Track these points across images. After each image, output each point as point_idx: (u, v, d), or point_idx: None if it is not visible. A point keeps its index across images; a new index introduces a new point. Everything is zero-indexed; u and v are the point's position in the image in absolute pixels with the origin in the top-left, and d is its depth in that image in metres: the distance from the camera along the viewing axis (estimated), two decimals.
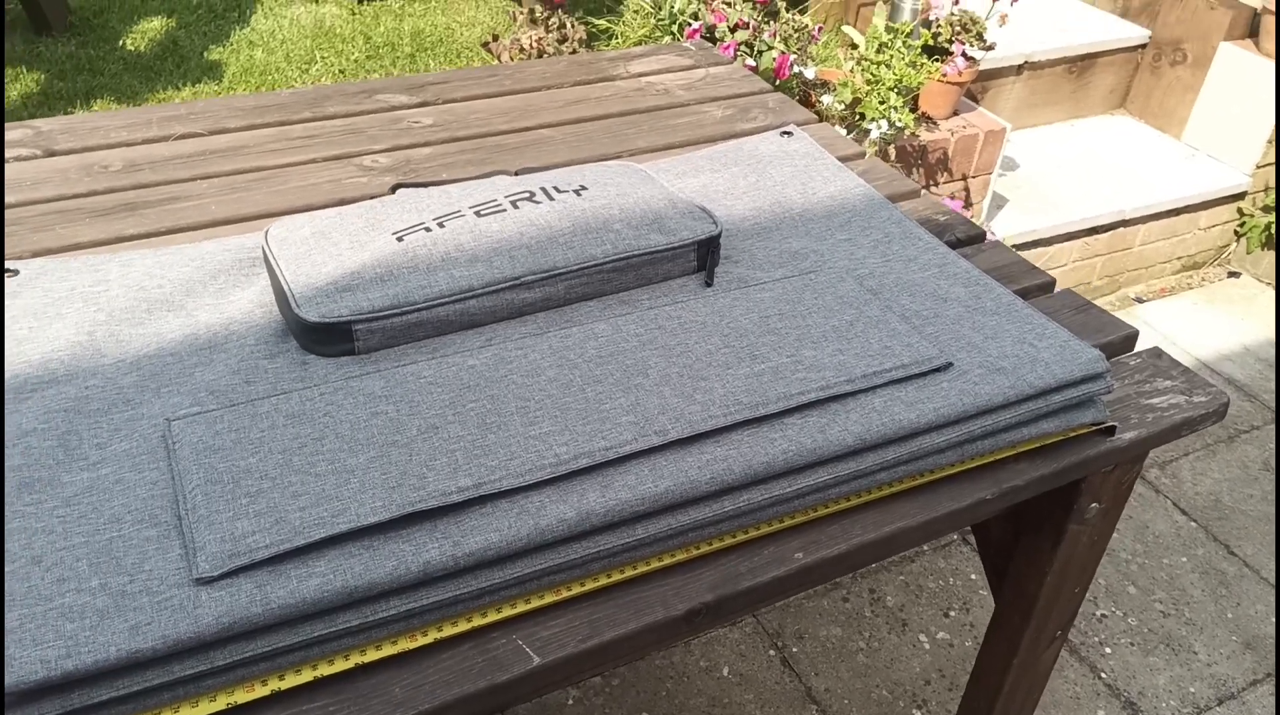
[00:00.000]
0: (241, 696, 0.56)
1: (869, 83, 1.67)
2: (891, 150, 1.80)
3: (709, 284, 0.83)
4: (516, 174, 0.98)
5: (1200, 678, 1.58)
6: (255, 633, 0.55)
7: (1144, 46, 2.57)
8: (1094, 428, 0.78)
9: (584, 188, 0.85)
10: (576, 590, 0.63)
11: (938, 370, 0.74)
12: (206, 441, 0.64)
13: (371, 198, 1.04)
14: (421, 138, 1.17)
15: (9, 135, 1.12)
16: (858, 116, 1.70)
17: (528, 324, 0.78)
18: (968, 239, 1.04)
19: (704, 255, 0.84)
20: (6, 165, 1.07)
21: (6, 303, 0.78)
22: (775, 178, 1.00)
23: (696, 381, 0.71)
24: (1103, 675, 1.57)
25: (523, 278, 0.77)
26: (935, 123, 1.92)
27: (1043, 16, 2.56)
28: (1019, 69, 2.42)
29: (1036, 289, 0.96)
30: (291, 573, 0.56)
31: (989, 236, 1.66)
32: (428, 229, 0.79)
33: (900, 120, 1.64)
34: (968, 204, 2.02)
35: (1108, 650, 1.61)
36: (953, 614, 1.66)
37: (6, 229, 0.96)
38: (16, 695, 0.51)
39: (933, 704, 1.51)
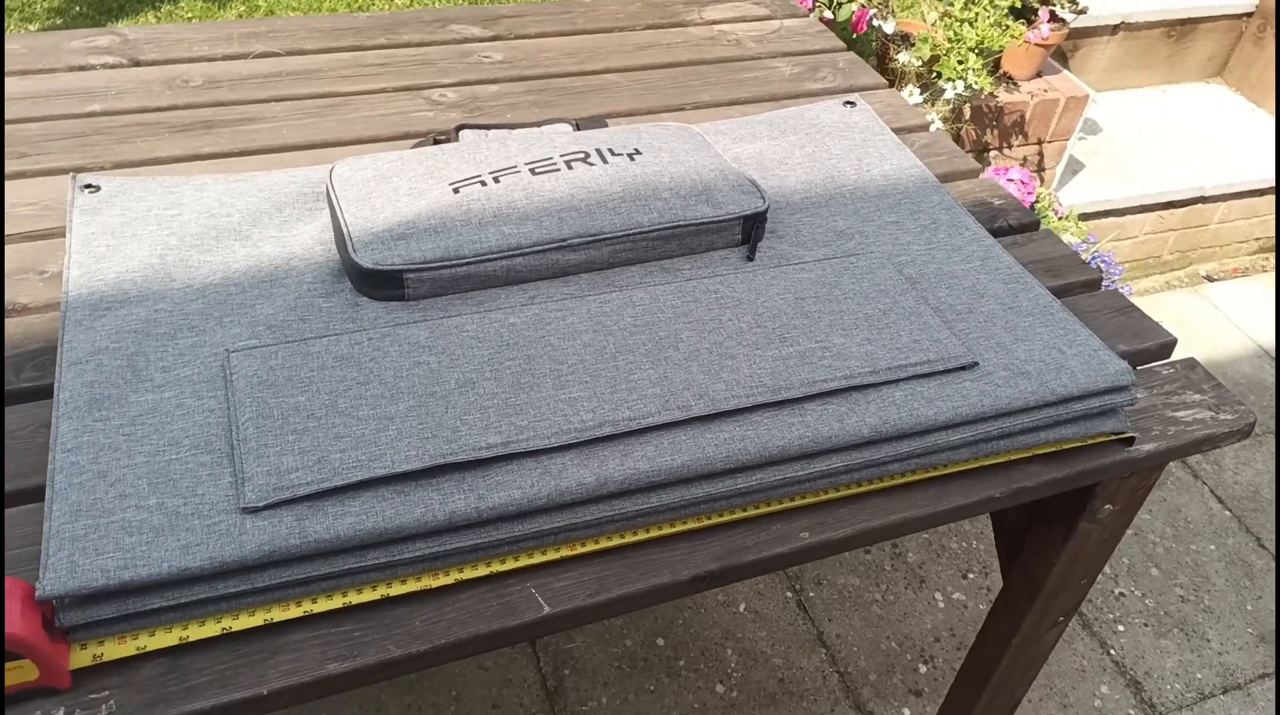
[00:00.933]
0: (278, 614, 0.62)
1: (950, 40, 1.64)
2: (966, 109, 1.77)
3: (750, 258, 0.85)
4: (577, 125, 1.00)
5: (1209, 665, 1.60)
6: (293, 561, 0.61)
7: (1250, 15, 2.45)
8: (1113, 437, 0.80)
9: (638, 152, 0.87)
10: (589, 547, 0.68)
11: (962, 368, 0.76)
12: (261, 376, 0.69)
13: (436, 133, 1.07)
14: (490, 74, 1.19)
15: (98, 41, 1.16)
16: (934, 74, 1.67)
17: (570, 284, 0.81)
18: (1020, 226, 1.04)
19: (749, 229, 0.85)
20: (94, 71, 1.11)
21: (89, 217, 0.83)
22: (832, 150, 1.01)
23: (724, 359, 0.74)
24: (1111, 651, 1.60)
25: (569, 240, 0.80)
26: (1016, 83, 1.87)
27: None
28: (1114, 29, 2.33)
29: (1082, 285, 0.97)
30: (329, 510, 0.61)
31: (1056, 206, 1.64)
32: (483, 183, 0.82)
33: (977, 83, 1.61)
34: (1040, 169, 1.98)
35: (1120, 628, 1.64)
36: (971, 576, 1.70)
37: (89, 139, 1.01)
38: (79, 598, 0.57)
39: (939, 660, 1.56)
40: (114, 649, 0.59)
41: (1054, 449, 0.79)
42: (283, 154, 1.02)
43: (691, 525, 0.70)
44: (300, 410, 0.66)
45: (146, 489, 0.62)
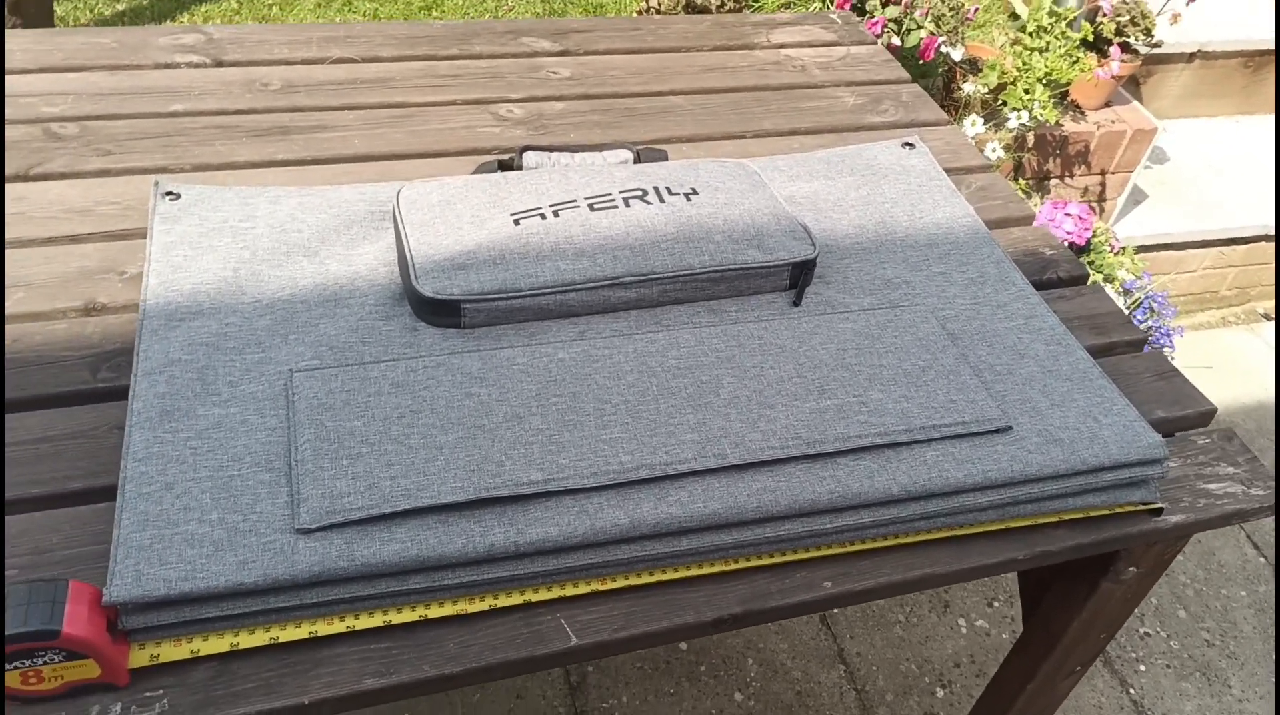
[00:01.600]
0: (322, 629, 0.66)
1: (1019, 69, 1.63)
2: (1030, 138, 1.76)
3: (796, 304, 0.87)
4: (638, 155, 1.02)
5: (1228, 711, 1.60)
6: (339, 581, 0.64)
7: None
8: (1141, 507, 0.81)
9: (695, 191, 0.89)
10: (619, 583, 0.71)
11: (996, 431, 0.78)
12: (321, 398, 0.72)
13: (500, 155, 1.10)
14: (556, 90, 1.22)
15: (184, 39, 1.21)
16: (1000, 103, 1.67)
17: (619, 321, 0.83)
18: (1070, 279, 1.04)
19: (797, 275, 0.87)
20: (179, 70, 1.16)
21: (169, 226, 0.88)
22: (887, 194, 1.02)
23: (763, 408, 0.76)
24: (1131, 690, 1.61)
25: (621, 278, 0.82)
26: (1083, 112, 1.86)
27: (1224, 3, 2.41)
28: (1190, 57, 2.30)
29: (1126, 345, 0.97)
30: (376, 535, 0.65)
31: (1113, 241, 1.63)
32: (543, 216, 0.84)
33: (1042, 114, 1.61)
34: (1101, 200, 1.96)
35: (1142, 668, 1.64)
36: (996, 605, 1.71)
37: (171, 139, 1.05)
38: (142, 605, 0.61)
39: (956, 686, 1.58)
40: (170, 651, 0.63)
41: (1081, 516, 0.80)
42: (352, 164, 1.05)
43: (719, 567, 0.73)
44: (355, 435, 0.70)
45: (209, 503, 0.66)
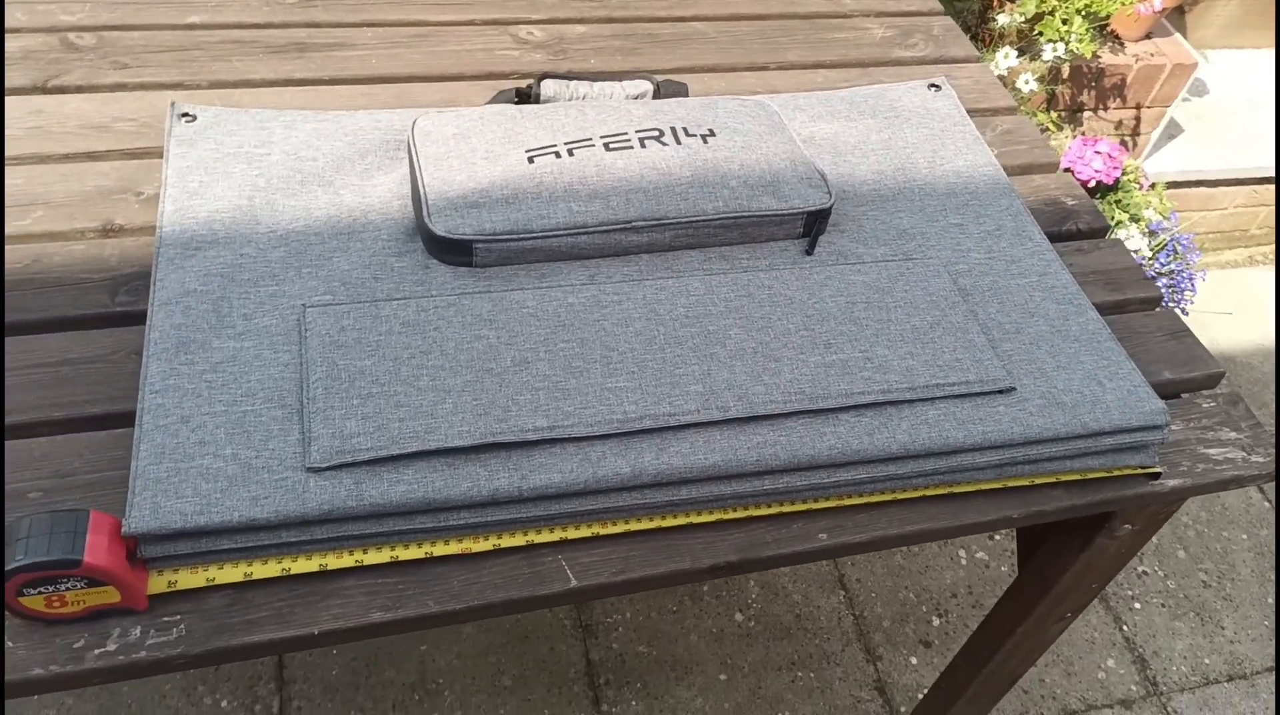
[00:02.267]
0: (332, 562, 0.68)
1: None
2: (1065, 69, 1.71)
3: (809, 252, 0.87)
4: (657, 88, 1.00)
5: (1219, 651, 1.64)
6: (348, 519, 0.67)
7: None
8: (1139, 470, 0.82)
9: (712, 133, 0.88)
10: (619, 528, 0.73)
11: (999, 392, 0.78)
12: (333, 336, 0.74)
13: (520, 76, 1.09)
14: (579, 12, 1.19)
15: None
16: (1036, 33, 1.62)
17: (630, 264, 0.84)
18: (1090, 231, 1.03)
19: (811, 224, 0.87)
20: None
21: (185, 149, 0.88)
22: (908, 139, 1.00)
23: (768, 361, 0.77)
24: (1124, 627, 1.65)
25: (634, 222, 0.82)
26: (1122, 44, 1.80)
27: None
28: None
29: (1139, 302, 0.97)
30: (384, 476, 0.67)
31: (1141, 178, 1.60)
32: (557, 154, 0.84)
33: (1079, 48, 1.56)
34: (1135, 134, 1.92)
35: (1137, 605, 1.68)
36: (997, 537, 1.74)
37: (188, 54, 1.04)
38: (160, 536, 0.64)
39: (952, 615, 1.62)
40: (187, 578, 0.66)
41: (1078, 477, 0.81)
42: (369, 86, 1.04)
43: (717, 516, 0.75)
44: (366, 374, 0.71)
45: (224, 438, 0.68)
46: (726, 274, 0.83)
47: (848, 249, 0.88)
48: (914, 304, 0.83)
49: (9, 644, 0.63)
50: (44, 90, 0.98)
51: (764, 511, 0.75)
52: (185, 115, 0.91)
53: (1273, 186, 2.18)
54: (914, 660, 1.55)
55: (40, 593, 0.61)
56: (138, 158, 0.93)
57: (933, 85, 1.09)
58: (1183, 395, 0.91)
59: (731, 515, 0.75)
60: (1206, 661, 1.61)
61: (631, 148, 0.85)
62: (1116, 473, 0.81)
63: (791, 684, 1.51)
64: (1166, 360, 0.91)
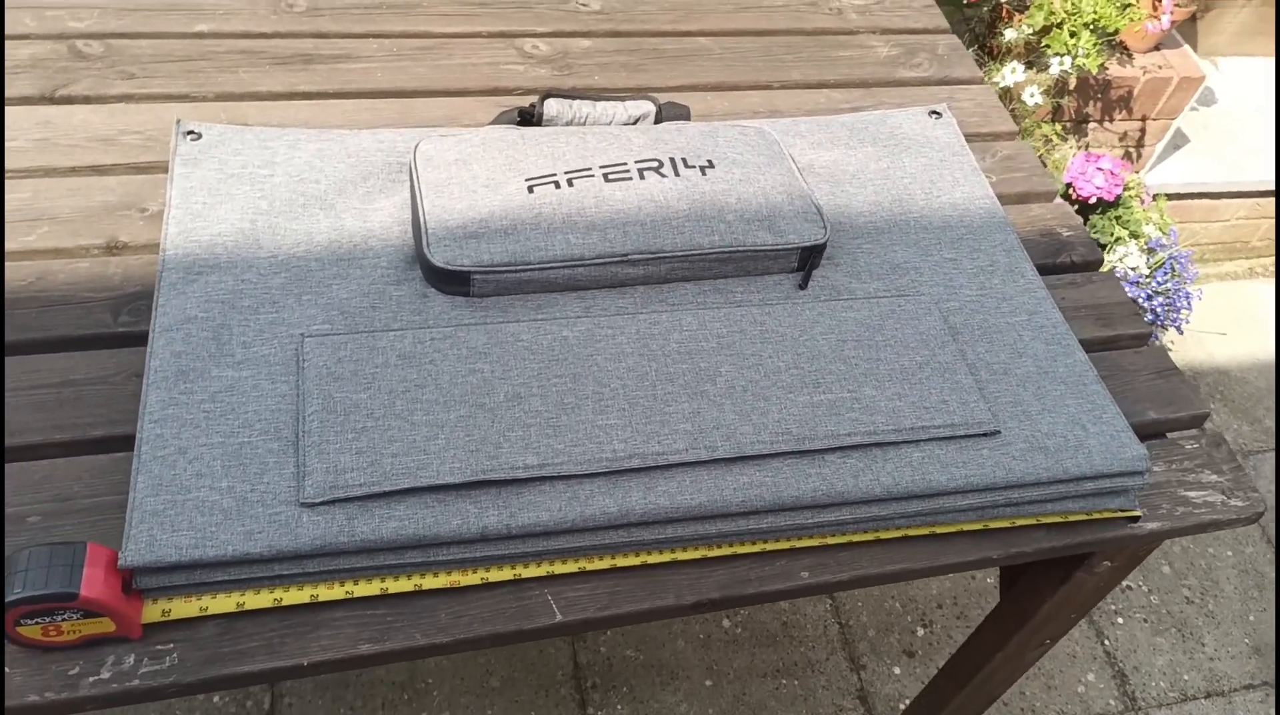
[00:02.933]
0: (323, 593, 0.70)
1: (1067, 11, 1.57)
2: (1072, 81, 1.71)
3: (802, 287, 0.88)
4: (660, 111, 1.01)
5: (1199, 668, 1.66)
6: (339, 554, 0.68)
7: None
8: (1119, 514, 0.83)
9: (711, 164, 0.89)
10: (605, 564, 0.74)
11: (983, 435, 0.80)
12: (329, 367, 0.75)
13: (525, 91, 1.09)
14: (585, 25, 1.19)
15: None
16: (1044, 46, 1.62)
17: (625, 296, 0.85)
18: (1084, 263, 1.04)
19: (806, 258, 0.88)
20: None
21: (189, 169, 0.89)
22: (907, 169, 1.01)
23: (757, 400, 0.78)
24: (1106, 641, 1.67)
25: (630, 255, 0.83)
26: (1130, 55, 1.80)
27: None
28: None
29: (1130, 338, 0.98)
30: (376, 512, 0.68)
31: (1143, 194, 1.61)
32: (557, 184, 0.85)
33: (1085, 63, 1.56)
34: (1140, 145, 1.92)
35: (1120, 620, 1.70)
36: None
37: (195, 64, 1.05)
38: (155, 568, 0.65)
39: (937, 626, 1.64)
40: (181, 607, 0.67)
41: (1059, 519, 0.83)
42: (375, 100, 1.05)
43: (701, 553, 0.76)
44: (361, 408, 0.73)
45: (220, 471, 0.69)
46: (720, 309, 0.84)
47: (841, 284, 0.89)
48: (904, 343, 0.84)
49: (6, 670, 0.65)
50: (51, 100, 0.99)
51: (748, 549, 0.77)
52: (190, 133, 0.92)
53: (1274, 200, 2.18)
54: (897, 670, 1.58)
55: (37, 623, 0.62)
56: (143, 172, 0.94)
57: (933, 113, 1.09)
58: (1167, 435, 0.92)
59: (716, 552, 0.76)
60: (1185, 678, 1.64)
61: (630, 179, 0.86)
62: (1096, 516, 0.83)
63: (775, 691, 1.53)
64: (1153, 399, 0.93)
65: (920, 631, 1.62)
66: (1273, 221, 2.25)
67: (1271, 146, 2.17)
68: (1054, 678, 1.60)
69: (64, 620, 0.63)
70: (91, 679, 0.65)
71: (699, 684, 1.53)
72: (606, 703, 1.49)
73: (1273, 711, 1.61)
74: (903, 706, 1.55)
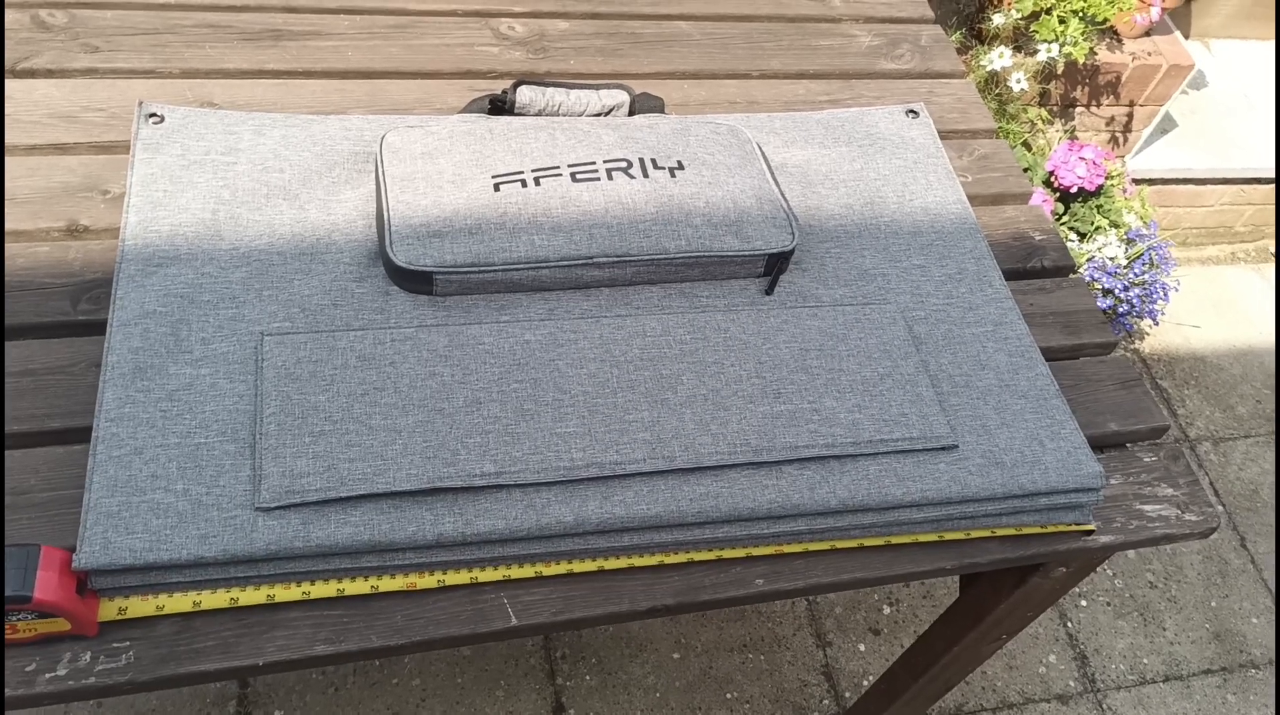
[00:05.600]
0: (280, 594, 0.70)
1: None
2: (1059, 66, 1.69)
3: (769, 292, 0.88)
4: (633, 103, 1.00)
5: (1158, 652, 1.69)
6: (295, 557, 0.69)
7: None
8: (1074, 527, 0.84)
9: (681, 165, 0.88)
10: (561, 569, 0.75)
11: (941, 448, 0.80)
12: (289, 368, 0.75)
13: (498, 75, 1.08)
14: (562, 6, 1.17)
15: None
16: (1032, 32, 1.60)
17: (590, 298, 0.84)
18: (1055, 268, 1.04)
19: (773, 264, 0.88)
20: None
21: (151, 155, 0.87)
22: (880, 170, 1.01)
23: (717, 410, 0.78)
24: (1069, 624, 1.70)
25: (595, 257, 0.83)
26: (1120, 41, 1.78)
27: None
28: None
29: (1095, 347, 0.98)
30: (332, 517, 0.69)
31: (1126, 184, 1.60)
32: (524, 183, 0.84)
33: (1072, 52, 1.54)
34: (1127, 130, 1.91)
35: (1083, 603, 1.73)
36: None
37: (161, 38, 1.03)
38: (109, 571, 0.66)
39: (903, 605, 1.67)
40: (137, 606, 0.68)
41: (1013, 532, 0.84)
42: (344, 80, 1.03)
43: (657, 559, 0.77)
44: (319, 411, 0.73)
45: (175, 472, 0.69)
46: (684, 314, 0.84)
47: (808, 290, 0.89)
48: (867, 353, 0.84)
49: None
50: (13, 73, 0.97)
51: (704, 556, 0.78)
52: (153, 116, 0.90)
53: (1259, 187, 2.18)
54: (862, 647, 1.60)
55: None
56: (105, 152, 0.92)
57: (910, 112, 1.08)
58: (1127, 445, 0.93)
59: (672, 559, 0.77)
60: (1145, 661, 1.67)
61: (598, 179, 0.85)
62: (1051, 529, 0.84)
63: (742, 665, 1.56)
64: (1114, 410, 0.93)
65: (886, 610, 1.65)
66: (1256, 208, 2.25)
67: (1256, 135, 2.16)
68: (1015, 658, 1.63)
69: (19, 620, 0.63)
70: (48, 675, 0.66)
71: (667, 656, 1.55)
72: (575, 673, 1.52)
73: (1229, 697, 1.64)
74: (867, 683, 1.58)
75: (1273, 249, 2.37)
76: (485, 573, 0.74)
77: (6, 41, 0.99)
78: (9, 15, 1.02)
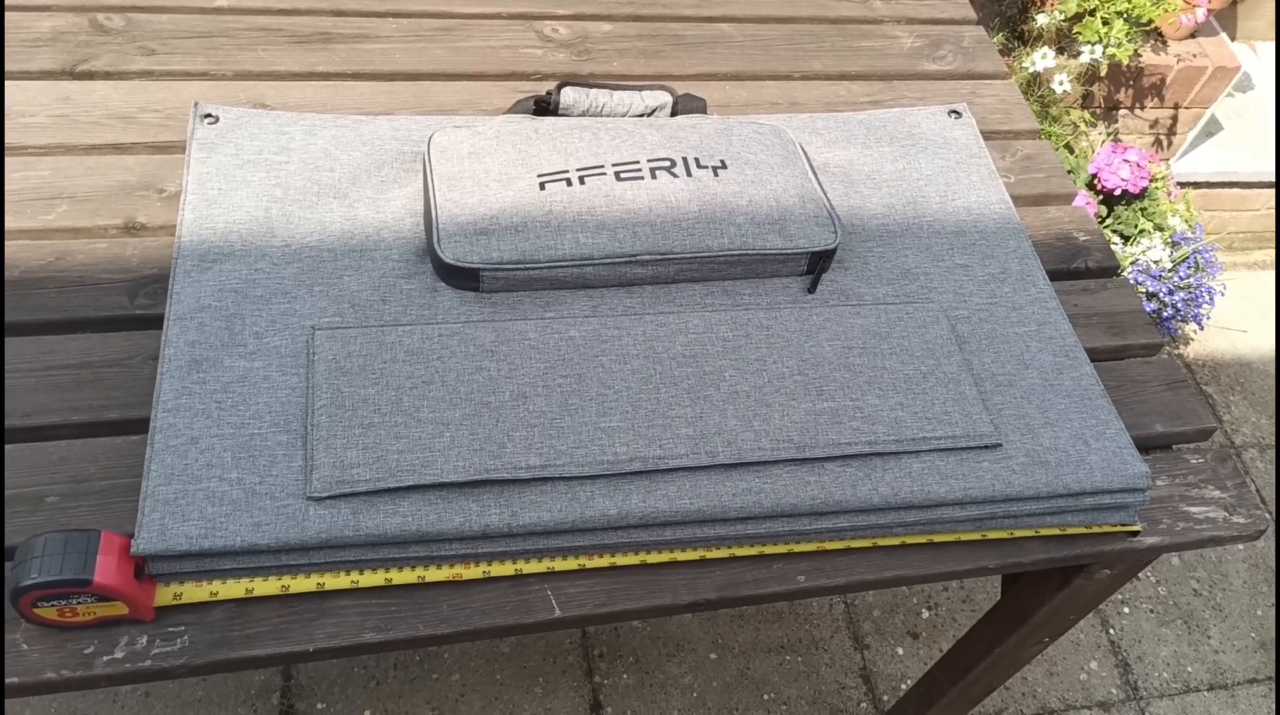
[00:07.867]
0: (329, 582, 0.72)
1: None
2: (1103, 68, 1.68)
3: (811, 291, 0.88)
4: (675, 104, 1.01)
5: (1202, 660, 1.67)
6: (345, 546, 0.70)
7: None
8: (1119, 528, 0.84)
9: (724, 164, 0.89)
10: (605, 562, 0.76)
11: (984, 447, 0.80)
12: (339, 361, 0.76)
13: (543, 76, 1.09)
14: (605, 9, 1.19)
15: None
16: (1075, 33, 1.59)
17: (633, 296, 0.85)
18: (1099, 269, 1.03)
19: (816, 262, 0.88)
20: None
21: (206, 154, 0.90)
22: (923, 171, 1.01)
23: (759, 406, 0.79)
24: (1111, 630, 1.68)
25: (639, 255, 0.84)
26: (1165, 43, 1.76)
27: None
28: None
29: (1140, 348, 0.98)
30: (381, 507, 0.70)
31: (1171, 187, 1.59)
32: (569, 182, 0.85)
33: (1116, 53, 1.53)
34: (1171, 133, 1.89)
35: (1126, 610, 1.71)
36: None
37: (214, 41, 1.05)
38: (166, 557, 0.68)
39: (942, 609, 1.66)
40: (192, 592, 0.70)
41: (1057, 532, 0.83)
42: (392, 83, 1.05)
43: (699, 554, 0.78)
44: (369, 403, 0.74)
45: (230, 461, 0.71)
46: (726, 312, 0.85)
47: (850, 288, 0.89)
48: (910, 351, 0.84)
49: (24, 647, 0.67)
50: (73, 75, 1.00)
51: (746, 551, 0.78)
52: (208, 116, 0.93)
53: (1275, 192, 2.15)
54: (900, 651, 1.60)
55: (53, 605, 0.65)
56: (162, 152, 0.95)
57: (953, 112, 1.08)
58: (1173, 447, 0.92)
59: (714, 554, 0.78)
60: (1189, 670, 1.65)
61: (642, 178, 0.86)
62: (1095, 530, 0.83)
63: (779, 666, 1.55)
64: (1160, 412, 0.92)
65: (925, 614, 1.64)
66: None
67: None
68: (1056, 664, 1.62)
69: (79, 603, 0.65)
70: (105, 658, 0.68)
71: (704, 656, 1.56)
72: (613, 671, 1.52)
73: (1276, 706, 1.62)
74: (904, 687, 1.57)
75: None
76: (530, 564, 0.75)
77: (66, 44, 1.02)
78: (67, 19, 1.05)
